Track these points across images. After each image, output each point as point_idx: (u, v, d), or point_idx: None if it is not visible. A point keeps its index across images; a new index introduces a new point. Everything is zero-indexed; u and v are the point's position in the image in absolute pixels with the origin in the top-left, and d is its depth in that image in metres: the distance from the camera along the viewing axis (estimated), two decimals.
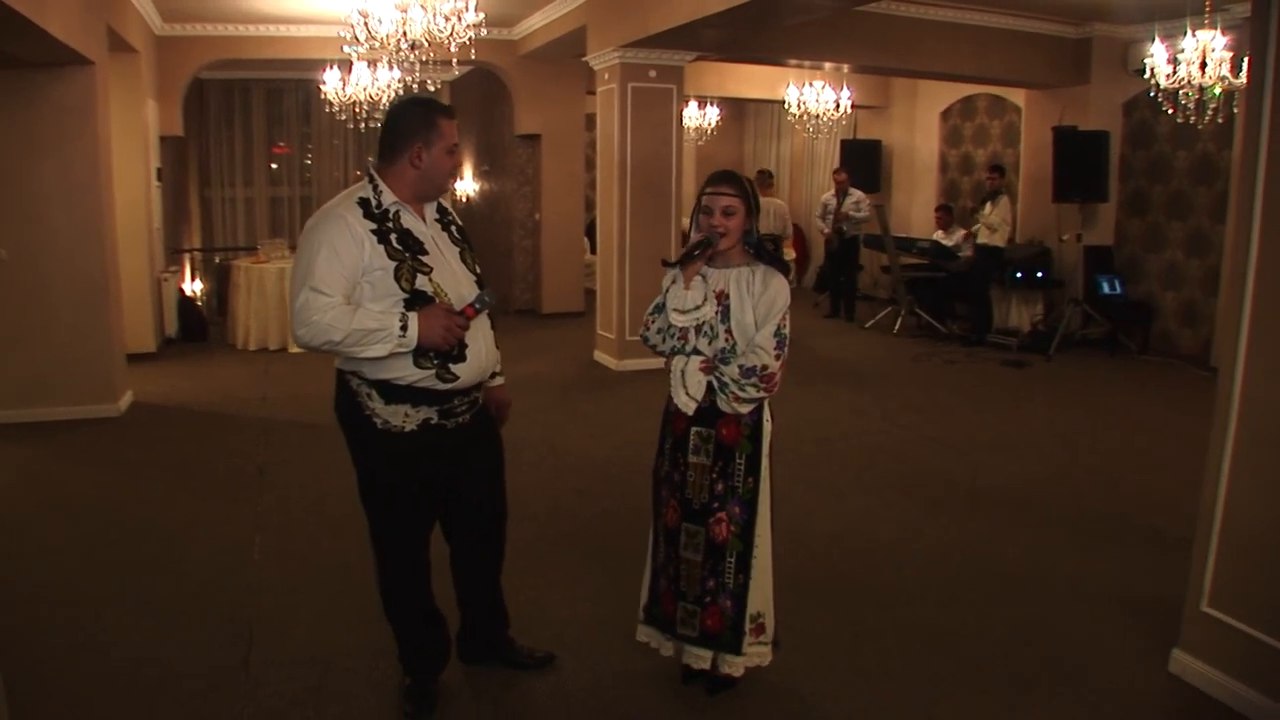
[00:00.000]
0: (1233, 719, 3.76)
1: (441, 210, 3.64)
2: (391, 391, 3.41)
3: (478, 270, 3.63)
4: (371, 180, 3.46)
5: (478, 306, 3.41)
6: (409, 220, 3.44)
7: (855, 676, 4.03)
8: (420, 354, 3.35)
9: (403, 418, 3.44)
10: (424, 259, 3.40)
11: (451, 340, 3.33)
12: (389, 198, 3.42)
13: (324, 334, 3.23)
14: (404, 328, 3.26)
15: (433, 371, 3.39)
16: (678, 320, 3.55)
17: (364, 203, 3.40)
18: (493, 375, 3.74)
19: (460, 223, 3.73)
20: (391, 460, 3.50)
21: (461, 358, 3.43)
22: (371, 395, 3.43)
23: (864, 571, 5.13)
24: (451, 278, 3.46)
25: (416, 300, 3.32)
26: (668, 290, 3.61)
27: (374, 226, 3.36)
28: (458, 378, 3.43)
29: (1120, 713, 3.80)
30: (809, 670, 4.06)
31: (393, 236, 3.37)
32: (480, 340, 3.49)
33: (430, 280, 3.37)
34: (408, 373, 3.37)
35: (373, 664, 4.08)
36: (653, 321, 3.64)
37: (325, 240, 3.30)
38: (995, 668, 4.11)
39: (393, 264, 3.32)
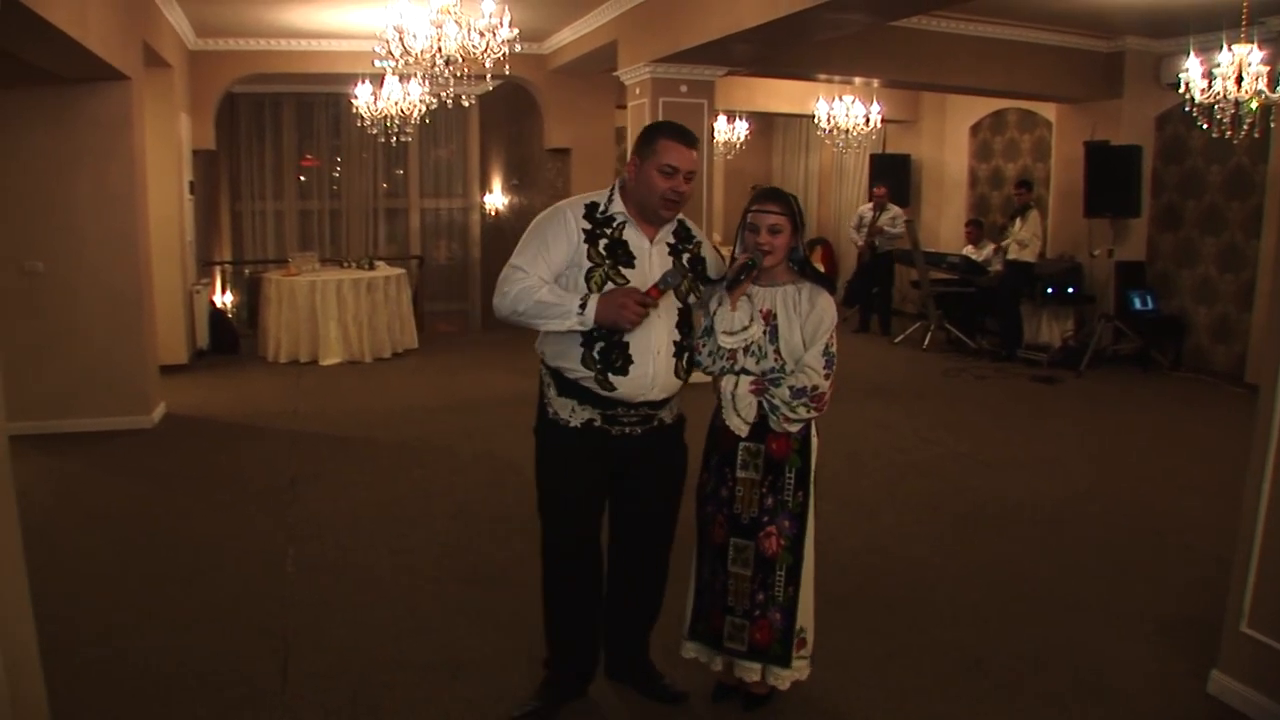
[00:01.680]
0: None
1: (682, 237, 3.66)
2: (564, 383, 3.56)
3: (690, 301, 3.64)
4: (612, 191, 3.60)
5: (662, 287, 3.43)
6: (630, 234, 3.54)
7: (888, 695, 4.03)
8: (588, 354, 3.46)
9: (570, 412, 3.57)
10: (625, 271, 3.48)
11: (629, 319, 3.36)
12: (617, 207, 3.55)
13: (511, 304, 3.44)
14: (582, 306, 3.36)
15: (593, 375, 3.48)
16: (726, 342, 3.56)
17: (591, 205, 3.57)
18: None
19: (703, 256, 3.72)
20: (555, 450, 3.66)
21: (623, 371, 3.47)
22: (550, 384, 3.62)
23: (896, 589, 5.12)
24: None
25: None
26: (715, 313, 3.61)
27: (589, 228, 3.51)
28: (616, 389, 3.48)
29: None
30: (842, 688, 4.05)
31: (603, 242, 3.50)
32: (650, 360, 3.49)
33: None
34: (575, 367, 3.50)
35: (408, 678, 4.09)
36: (703, 345, 3.63)
37: (540, 229, 3.54)
38: (1029, 688, 4.09)
39: (589, 265, 3.46)
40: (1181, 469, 7.40)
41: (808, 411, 3.53)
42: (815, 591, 3.75)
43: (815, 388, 3.50)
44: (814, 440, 3.66)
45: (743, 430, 3.58)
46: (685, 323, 3.61)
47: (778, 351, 3.56)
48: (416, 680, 4.08)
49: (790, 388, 3.51)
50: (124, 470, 7.15)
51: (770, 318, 3.57)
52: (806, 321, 3.55)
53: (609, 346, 3.45)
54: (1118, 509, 6.45)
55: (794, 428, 3.57)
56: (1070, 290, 11.74)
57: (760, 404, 3.57)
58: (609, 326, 3.39)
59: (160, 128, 9.93)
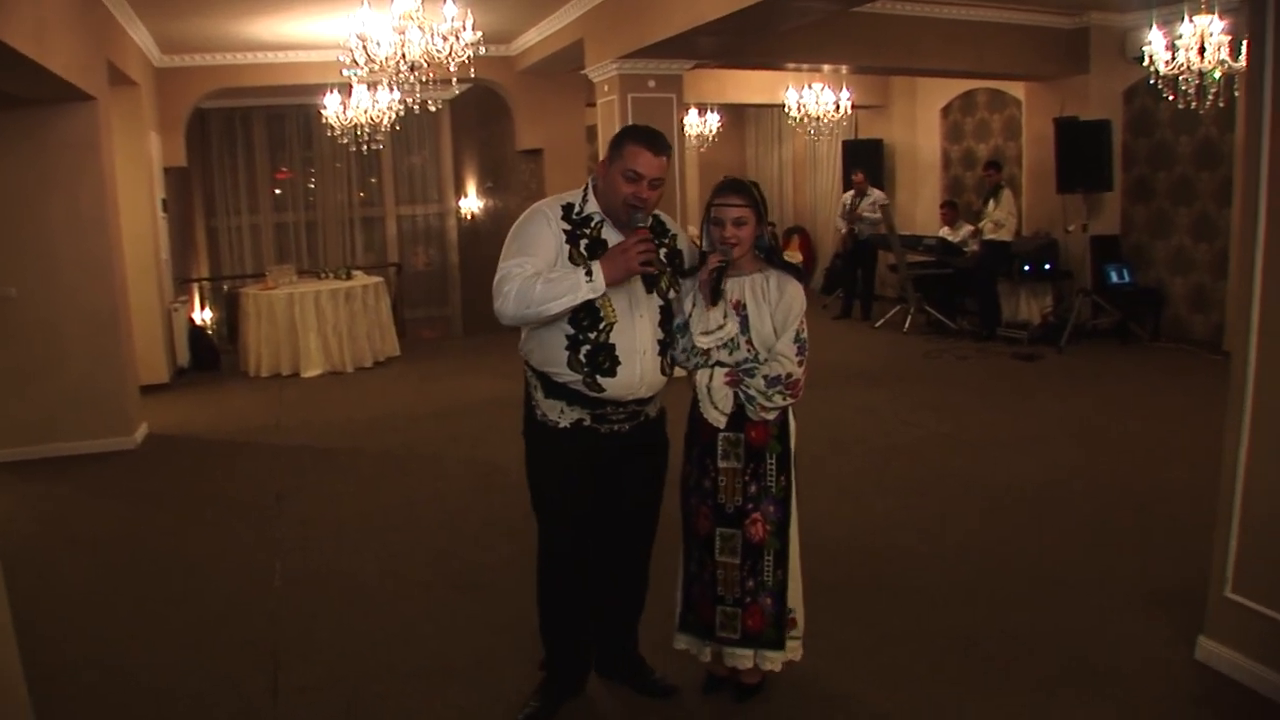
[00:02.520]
0: (1258, 703, 3.76)
1: (657, 231, 3.64)
2: (551, 386, 3.55)
3: (669, 297, 3.62)
4: (585, 190, 3.59)
5: (636, 225, 3.41)
6: (609, 233, 3.51)
7: (883, 680, 4.03)
8: (574, 358, 3.45)
9: (558, 413, 3.57)
10: None
11: (637, 264, 3.33)
12: (592, 207, 3.54)
13: (515, 302, 3.34)
14: (589, 273, 3.32)
15: (581, 378, 3.47)
16: (703, 342, 3.56)
17: (568, 206, 3.54)
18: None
19: (680, 249, 3.71)
20: (546, 451, 3.65)
21: (611, 373, 3.47)
22: (537, 387, 3.61)
23: (884, 574, 5.13)
24: (624, 295, 3.48)
25: (581, 308, 3.38)
26: (690, 314, 3.61)
27: (568, 228, 3.49)
28: (604, 390, 3.49)
29: (1150, 704, 3.79)
30: (833, 674, 4.06)
31: (583, 242, 3.48)
32: (636, 361, 3.49)
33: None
34: (562, 371, 3.49)
35: (400, 687, 4.09)
36: (678, 342, 3.63)
37: (523, 230, 3.49)
38: (1021, 668, 4.10)
39: (572, 266, 3.42)
40: (1164, 440, 7.43)
41: (784, 399, 3.54)
42: (804, 578, 3.77)
43: (789, 375, 3.51)
44: (792, 424, 3.67)
45: (720, 422, 3.59)
46: (668, 320, 3.61)
47: (749, 341, 3.56)
48: (409, 689, 4.07)
49: (765, 377, 3.52)
50: (108, 492, 7.11)
51: (740, 308, 3.57)
52: (776, 309, 3.55)
53: (595, 349, 3.45)
54: (1102, 484, 6.47)
55: (771, 415, 3.58)
56: (1047, 267, 11.79)
57: (736, 395, 3.57)
58: (623, 280, 3.37)
59: (130, 146, 9.89)
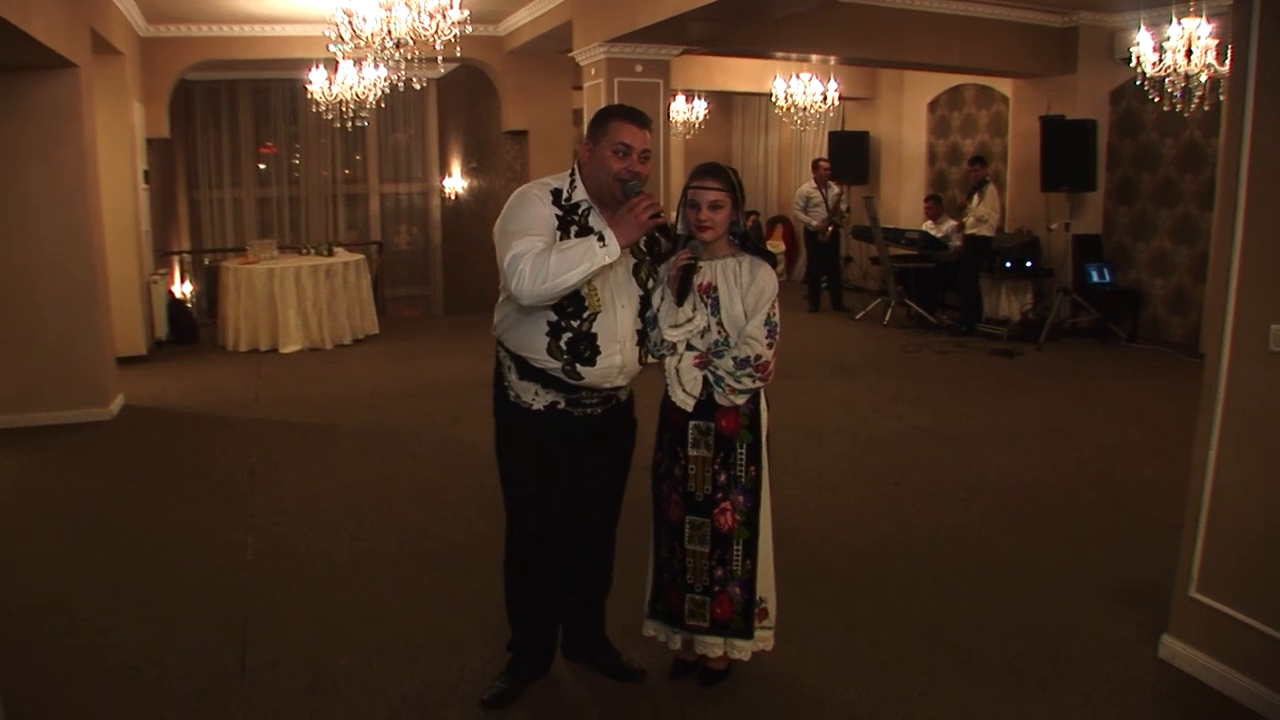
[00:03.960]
0: (1221, 702, 3.79)
1: None
2: (526, 369, 3.53)
3: (649, 286, 3.61)
4: (571, 174, 3.55)
5: (633, 192, 3.39)
6: (595, 221, 3.47)
7: (849, 668, 4.06)
8: (554, 344, 3.44)
9: (532, 395, 3.56)
10: None
11: (647, 221, 3.31)
12: (580, 194, 3.50)
13: (531, 279, 3.27)
14: (601, 237, 3.28)
15: (560, 366, 3.46)
16: (671, 335, 3.54)
17: (556, 192, 3.51)
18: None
19: (659, 238, 3.67)
20: (517, 431, 3.63)
21: (591, 361, 3.47)
22: (511, 368, 3.59)
23: (857, 564, 5.15)
24: (608, 284, 3.48)
25: (566, 295, 3.37)
26: (658, 308, 3.59)
27: (560, 214, 3.47)
28: (582, 379, 3.48)
29: (1112, 699, 3.83)
30: (803, 662, 4.08)
31: (573, 229, 3.45)
32: (617, 350, 3.49)
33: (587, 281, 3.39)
34: (541, 358, 3.47)
35: (366, 662, 4.09)
36: (649, 332, 3.62)
37: (517, 213, 3.45)
38: (990, 658, 4.13)
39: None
40: (1138, 439, 7.48)
41: (753, 382, 3.54)
42: (776, 566, 3.78)
43: (759, 357, 3.51)
44: (764, 414, 3.67)
45: (688, 405, 3.59)
46: (646, 309, 3.62)
47: (720, 324, 3.57)
48: (376, 665, 4.07)
49: (734, 358, 3.52)
50: (81, 464, 7.09)
51: (711, 290, 3.57)
52: (748, 293, 3.55)
53: (577, 338, 3.44)
54: (1076, 480, 6.51)
55: (740, 399, 3.58)
56: (1029, 264, 11.83)
57: (706, 379, 3.58)
58: (636, 239, 3.36)
59: (112, 116, 9.82)
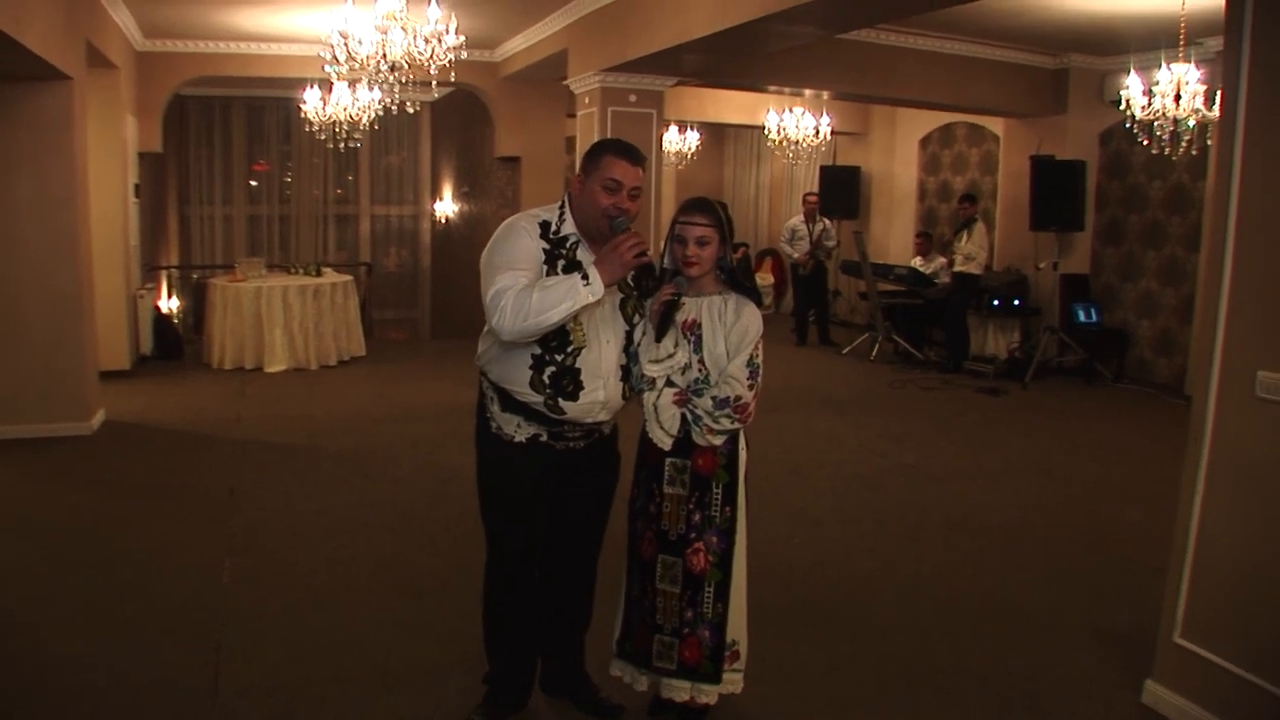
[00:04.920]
0: None
1: None
2: (509, 401, 3.49)
3: (635, 322, 3.56)
4: (562, 207, 3.51)
5: (619, 229, 3.35)
6: (584, 255, 3.42)
7: (829, 708, 4.00)
8: (537, 378, 3.39)
9: (514, 427, 3.51)
10: None
11: (632, 260, 3.25)
12: (569, 227, 3.46)
13: (512, 316, 3.23)
14: (585, 276, 3.23)
15: (543, 399, 3.41)
16: (651, 370, 3.49)
17: (544, 225, 3.46)
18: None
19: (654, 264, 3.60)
20: (498, 463, 3.59)
21: (574, 396, 3.42)
22: (493, 399, 3.55)
23: (838, 602, 5.11)
24: (594, 319, 3.43)
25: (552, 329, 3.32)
26: (639, 343, 3.55)
27: (547, 248, 3.42)
28: (565, 413, 3.44)
29: None
30: (781, 701, 4.03)
31: (560, 263, 3.40)
32: (600, 386, 3.45)
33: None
34: (524, 391, 3.43)
35: (341, 692, 4.02)
36: (631, 367, 3.58)
37: (503, 246, 3.40)
38: (972, 701, 4.08)
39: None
40: (1123, 480, 7.45)
41: (731, 423, 3.48)
42: (755, 603, 3.73)
43: (738, 398, 3.45)
44: (742, 454, 3.61)
45: (665, 443, 3.54)
46: (630, 345, 3.57)
47: (701, 362, 3.51)
48: (350, 695, 4.00)
49: (713, 398, 3.47)
50: (60, 479, 7.01)
51: (695, 327, 3.52)
52: (731, 332, 3.50)
53: (561, 372, 3.40)
54: (1060, 521, 6.48)
55: (718, 440, 3.52)
56: (1016, 302, 11.85)
57: (684, 416, 3.53)
58: (621, 278, 3.32)
59: (105, 129, 9.78)
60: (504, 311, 3.23)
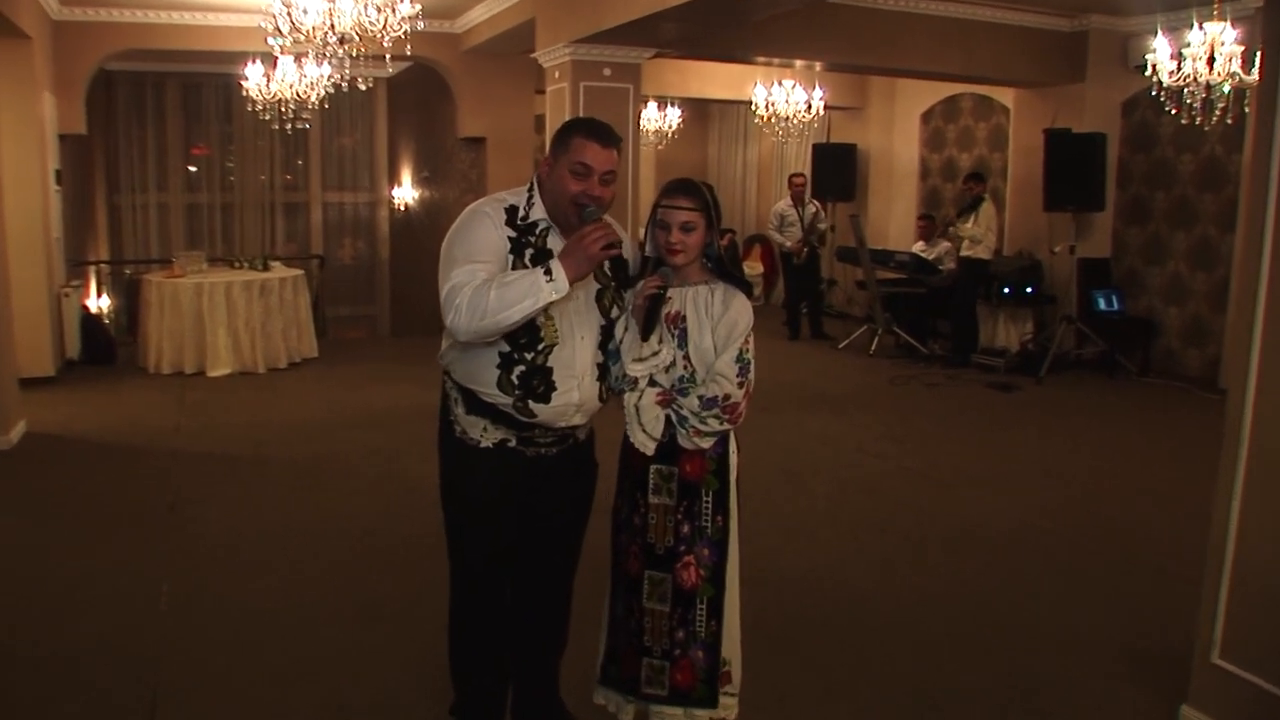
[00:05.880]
0: None
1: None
2: (474, 402, 3.45)
3: (613, 315, 3.52)
4: (530, 190, 3.47)
5: (590, 219, 3.28)
6: (554, 242, 3.39)
7: None
8: (505, 378, 3.36)
9: (480, 432, 3.48)
10: None
11: (598, 252, 3.19)
12: (538, 212, 3.43)
13: (468, 315, 3.19)
14: (548, 272, 3.17)
15: (511, 401, 3.38)
16: (635, 370, 3.45)
17: (511, 210, 3.42)
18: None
19: (625, 259, 3.60)
20: (463, 471, 3.56)
21: (545, 398, 3.38)
22: (458, 400, 3.52)
23: (837, 619, 5.08)
24: (567, 313, 3.39)
25: (520, 325, 3.27)
26: (621, 340, 3.52)
27: (514, 235, 3.38)
28: (535, 415, 3.40)
29: None
30: None
31: (528, 252, 3.37)
32: (574, 386, 3.41)
33: (544, 310, 3.29)
34: (491, 392, 3.39)
35: None
36: (611, 365, 3.54)
37: (464, 235, 3.38)
38: None
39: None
40: (1152, 484, 7.45)
41: (720, 424, 3.43)
42: (747, 622, 3.69)
43: (728, 397, 3.41)
44: (733, 458, 3.56)
45: (649, 448, 3.49)
46: (608, 341, 3.53)
47: (687, 358, 3.47)
48: None
49: (700, 397, 3.42)
50: None
51: (679, 320, 3.48)
52: (719, 324, 3.45)
53: (530, 371, 3.36)
54: (1082, 529, 6.48)
55: (705, 443, 3.48)
56: (1029, 290, 11.85)
57: (668, 418, 3.49)
58: (586, 273, 3.26)
59: (18, 108, 9.68)
60: (459, 310, 3.20)
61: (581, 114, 9.77)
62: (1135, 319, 11.73)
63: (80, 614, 5.05)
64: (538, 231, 3.40)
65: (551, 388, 3.38)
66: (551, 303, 3.21)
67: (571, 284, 3.20)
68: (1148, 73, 8.87)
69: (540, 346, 3.36)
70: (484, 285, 3.20)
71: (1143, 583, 5.60)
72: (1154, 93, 8.94)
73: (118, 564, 5.70)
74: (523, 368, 3.36)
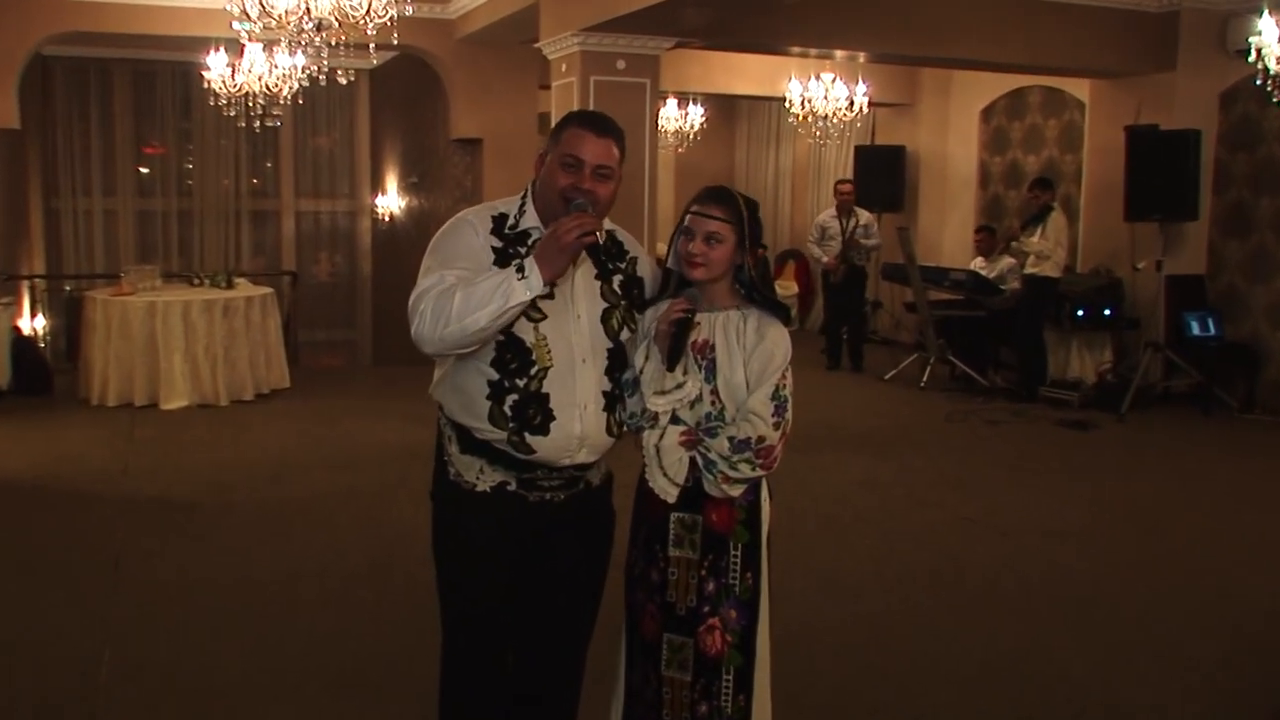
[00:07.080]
0: None
1: (612, 254, 3.54)
2: (469, 441, 3.45)
3: (622, 338, 3.51)
4: (524, 196, 3.50)
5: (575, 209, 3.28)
6: None
7: None
8: (497, 409, 3.34)
9: (476, 474, 3.46)
10: (540, 303, 3.30)
11: (574, 241, 3.15)
12: (530, 220, 3.43)
13: (432, 322, 3.18)
14: (520, 268, 3.16)
15: (506, 435, 3.36)
16: (656, 404, 3.44)
17: (499, 219, 3.44)
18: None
19: (640, 275, 3.61)
20: (457, 519, 3.56)
21: (543, 430, 3.36)
22: (451, 438, 3.52)
23: (885, 693, 5.06)
24: (565, 334, 3.38)
25: (508, 348, 3.30)
26: (641, 369, 3.50)
27: (499, 245, 3.39)
28: (534, 451, 3.38)
29: None
30: None
31: (516, 264, 3.32)
32: (576, 417, 3.39)
33: (536, 330, 3.31)
34: (482, 425, 3.38)
35: None
36: (626, 399, 3.53)
37: (441, 246, 3.41)
38: None
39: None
40: (1252, 540, 7.40)
41: (751, 469, 3.41)
42: (780, 695, 3.67)
43: (761, 439, 3.38)
44: (765, 506, 3.55)
45: (671, 495, 3.47)
46: (617, 367, 3.50)
47: (715, 392, 3.45)
48: None
49: (730, 439, 3.40)
50: None
51: (707, 350, 3.46)
52: (752, 356, 3.43)
53: (524, 400, 3.34)
54: (1173, 590, 6.44)
55: (735, 490, 3.45)
56: (1107, 313, 11.82)
57: (693, 460, 3.47)
58: (564, 269, 3.22)
59: None
60: (422, 316, 3.20)
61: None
62: (1235, 345, 11.65)
63: (9, 686, 5.03)
64: (529, 241, 3.38)
65: (549, 417, 3.35)
66: (544, 332, 3.25)
67: (548, 282, 3.18)
68: (1251, 58, 8.86)
69: (533, 371, 3.34)
70: (450, 289, 3.19)
71: (1241, 655, 5.54)
72: (1258, 81, 8.93)
73: (52, 628, 5.68)
74: (515, 396, 3.34)
